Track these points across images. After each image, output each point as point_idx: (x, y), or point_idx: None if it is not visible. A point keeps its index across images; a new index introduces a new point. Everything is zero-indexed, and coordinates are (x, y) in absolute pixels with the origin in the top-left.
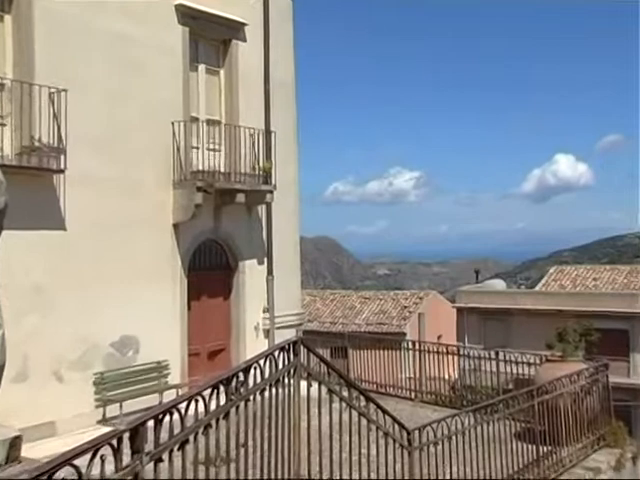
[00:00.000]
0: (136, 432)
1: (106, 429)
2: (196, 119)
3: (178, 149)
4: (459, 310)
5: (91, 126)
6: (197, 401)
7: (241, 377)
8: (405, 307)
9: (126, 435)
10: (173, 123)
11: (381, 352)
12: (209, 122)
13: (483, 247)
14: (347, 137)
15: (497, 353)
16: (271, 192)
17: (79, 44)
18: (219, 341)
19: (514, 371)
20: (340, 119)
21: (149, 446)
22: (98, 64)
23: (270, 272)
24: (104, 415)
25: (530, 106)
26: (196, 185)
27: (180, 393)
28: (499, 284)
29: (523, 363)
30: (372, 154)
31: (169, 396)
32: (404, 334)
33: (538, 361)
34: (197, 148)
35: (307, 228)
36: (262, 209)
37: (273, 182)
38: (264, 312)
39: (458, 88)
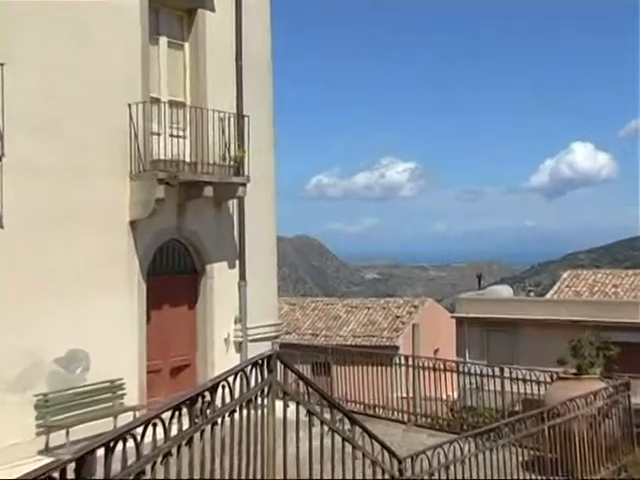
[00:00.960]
0: (83, 462)
1: (48, 460)
2: (157, 100)
3: (136, 135)
4: (459, 320)
5: (31, 106)
6: (156, 425)
7: (207, 397)
8: (397, 317)
9: (71, 466)
10: (130, 105)
11: (369, 368)
12: (172, 104)
13: (487, 248)
14: (333, 123)
15: (502, 370)
16: (244, 185)
17: (15, 9)
18: (183, 356)
19: (522, 390)
20: (324, 103)
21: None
22: (40, 33)
23: (242, 277)
24: (47, 444)
25: (541, 85)
26: (157, 177)
27: (137, 416)
28: (505, 291)
29: (532, 381)
30: (361, 142)
31: (124, 420)
32: (396, 348)
33: (549, 379)
34: (158, 134)
35: (285, 226)
36: (233, 204)
37: (246, 173)
38: (235, 322)
39: (457, 64)
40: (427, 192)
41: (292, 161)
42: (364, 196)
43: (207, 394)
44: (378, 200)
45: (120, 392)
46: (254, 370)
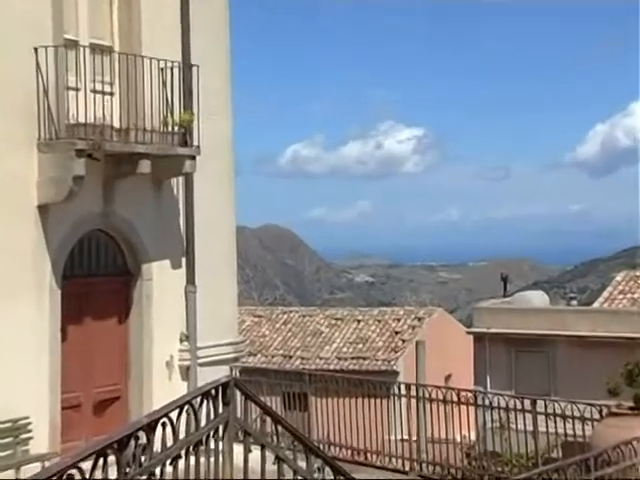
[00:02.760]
0: None
1: None
2: (74, 44)
3: (45, 90)
4: (478, 337)
5: None
6: (72, 477)
7: (143, 439)
8: (396, 333)
9: None
10: (37, 49)
11: (360, 401)
12: (95, 49)
13: (516, 242)
14: (315, 78)
15: (535, 403)
16: (192, 158)
17: None
18: (111, 385)
19: (561, 430)
20: (305, 51)
21: None
22: None
23: (191, 280)
24: None
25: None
26: (75, 147)
27: (48, 466)
28: (539, 298)
29: (574, 418)
30: (353, 103)
31: (31, 472)
32: (395, 374)
33: (597, 415)
34: (76, 89)
35: (250, 213)
36: (178, 184)
37: (195, 143)
38: (181, 341)
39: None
40: (438, 168)
41: (260, 128)
42: (355, 173)
43: (142, 435)
44: (373, 178)
45: (25, 436)
46: (205, 403)
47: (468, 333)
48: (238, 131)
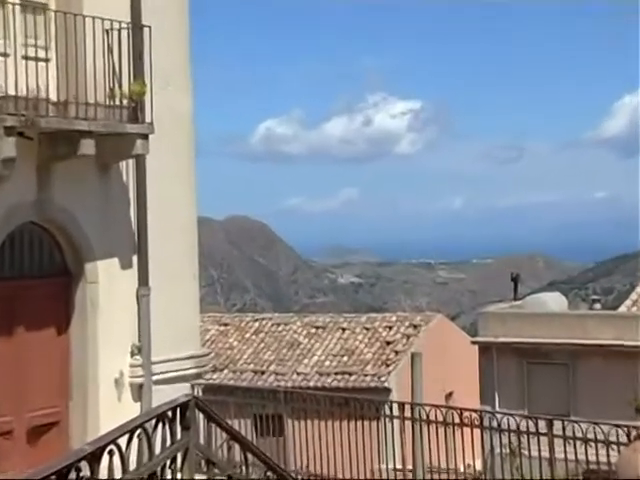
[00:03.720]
0: None
1: None
2: (0, 1)
3: None
4: (484, 348)
5: None
6: None
7: (85, 470)
8: (388, 343)
9: None
10: None
11: (345, 424)
12: (27, 7)
13: (528, 236)
14: (293, 42)
15: (551, 424)
16: (145, 137)
17: None
18: (49, 408)
19: (581, 456)
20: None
21: None
22: None
23: (144, 282)
24: None
25: None
26: (4, 123)
27: None
28: (555, 301)
29: (597, 442)
30: (337, 72)
31: None
32: (386, 391)
33: (624, 438)
34: (5, 55)
35: (214, 203)
36: (128, 168)
37: (148, 119)
38: (133, 354)
39: None
40: (438, 148)
41: (226, 102)
42: (340, 154)
43: (85, 465)
44: (361, 160)
45: None
46: (161, 427)
47: (473, 343)
48: (200, 105)
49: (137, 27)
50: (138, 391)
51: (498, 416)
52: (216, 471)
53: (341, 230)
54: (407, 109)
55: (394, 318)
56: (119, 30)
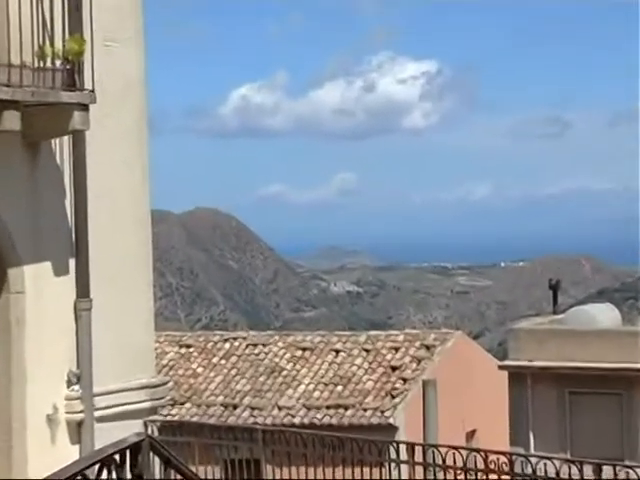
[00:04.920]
0: None
1: None
2: None
3: None
4: (515, 375)
5: None
6: None
7: None
8: (394, 368)
9: None
10: None
11: (340, 471)
12: None
13: (570, 232)
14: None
15: (600, 469)
16: (84, 108)
17: None
18: None
19: None
20: None
21: None
22: None
23: (84, 293)
24: None
25: None
26: None
27: None
28: (606, 314)
29: None
30: (331, 26)
31: None
32: (392, 429)
33: None
34: None
35: (175, 193)
36: (63, 147)
37: (88, 86)
38: (70, 384)
39: None
40: (459, 121)
41: (191, 64)
42: (333, 130)
43: None
44: (361, 137)
45: None
46: (106, 473)
47: (501, 368)
48: (156, 69)
49: None
50: (77, 430)
51: (533, 460)
52: None
53: (335, 226)
54: (419, 72)
55: (401, 337)
56: None
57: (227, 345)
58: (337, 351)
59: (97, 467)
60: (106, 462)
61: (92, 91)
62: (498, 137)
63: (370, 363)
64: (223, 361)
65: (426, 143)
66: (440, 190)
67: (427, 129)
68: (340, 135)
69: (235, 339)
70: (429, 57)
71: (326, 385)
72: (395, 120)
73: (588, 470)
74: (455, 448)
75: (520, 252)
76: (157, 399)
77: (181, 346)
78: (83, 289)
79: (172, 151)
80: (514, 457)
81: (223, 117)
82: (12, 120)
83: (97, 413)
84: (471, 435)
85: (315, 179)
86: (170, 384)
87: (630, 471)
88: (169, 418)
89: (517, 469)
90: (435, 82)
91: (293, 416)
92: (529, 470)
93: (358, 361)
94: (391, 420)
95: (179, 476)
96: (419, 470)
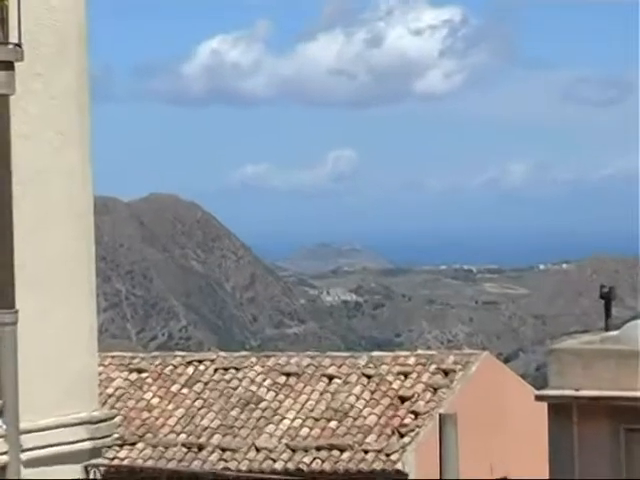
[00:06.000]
0: None
1: None
2: None
3: None
4: (557, 407)
5: None
6: None
7: None
8: (404, 399)
9: None
10: None
11: None
12: None
13: (631, 228)
14: None
15: None
16: (9, 67)
17: None
18: None
19: None
20: None
21: None
22: None
23: (7, 303)
24: None
25: None
26: None
27: None
28: None
29: None
30: None
31: None
32: (401, 476)
33: None
34: None
35: (125, 176)
36: None
37: (13, 39)
38: None
39: None
40: (489, 83)
41: (148, 17)
42: (328, 95)
43: None
44: (363, 104)
45: None
46: None
47: (539, 399)
48: (100, 18)
49: None
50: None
51: None
52: None
53: (328, 218)
54: (440, 21)
55: (412, 359)
56: None
57: (190, 369)
58: (330, 377)
59: None
60: None
61: (18, 45)
62: (539, 104)
63: (372, 392)
64: (185, 390)
65: (447, 112)
66: (463, 173)
67: (448, 94)
68: (337, 102)
69: (201, 362)
70: (451, 2)
71: (316, 420)
72: (408, 83)
73: None
74: None
75: (564, 251)
76: (100, 438)
77: (132, 371)
78: (5, 299)
79: (122, 122)
80: None
81: (187, 78)
82: None
83: (25, 455)
84: None
85: (304, 158)
86: (117, 419)
87: None
88: (116, 462)
89: None
90: (460, 33)
91: (274, 460)
92: None
93: (357, 390)
94: (399, 465)
95: None
96: None
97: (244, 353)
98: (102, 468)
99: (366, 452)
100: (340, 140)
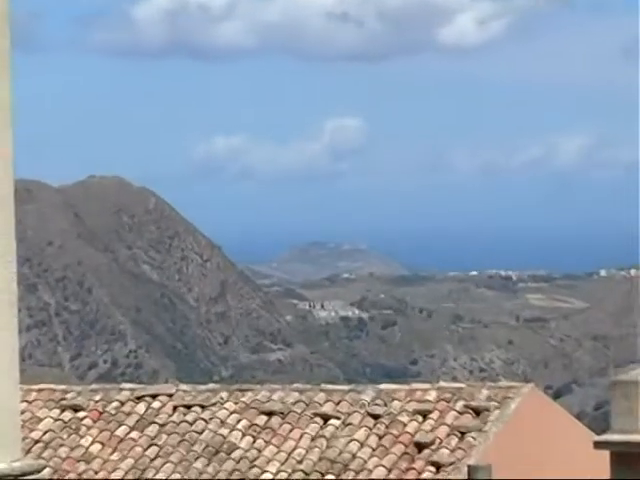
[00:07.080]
0: None
1: None
2: None
3: None
4: (620, 455)
5: None
6: None
7: None
8: (421, 446)
9: None
10: None
11: None
12: None
13: None
14: None
15: None
16: None
17: None
18: None
19: None
20: None
21: None
22: None
23: None
24: None
25: None
26: None
27: None
28: None
29: None
30: None
31: None
32: None
33: None
34: None
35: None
36: None
37: None
38: None
39: None
40: (533, 31)
41: None
42: (326, 46)
43: None
44: (370, 58)
45: None
46: None
47: (599, 446)
48: None
49: None
50: None
51: None
52: None
53: (324, 209)
54: None
55: (432, 394)
56: None
57: (142, 407)
58: (326, 417)
59: None
60: None
61: None
62: (604, 59)
63: (380, 438)
64: (135, 434)
65: (479, 70)
66: (500, 150)
67: (481, 46)
68: (338, 55)
69: (155, 397)
70: None
71: (307, 475)
72: (429, 31)
73: None
74: None
75: (632, 253)
76: None
77: (65, 408)
78: None
79: (54, 80)
80: None
81: (140, 23)
82: None
83: None
84: None
85: (293, 129)
86: (46, 472)
87: None
88: None
89: None
90: None
91: None
92: None
93: (361, 434)
94: None
95: None
96: None
97: (212, 386)
98: None
99: None
100: (341, 105)
